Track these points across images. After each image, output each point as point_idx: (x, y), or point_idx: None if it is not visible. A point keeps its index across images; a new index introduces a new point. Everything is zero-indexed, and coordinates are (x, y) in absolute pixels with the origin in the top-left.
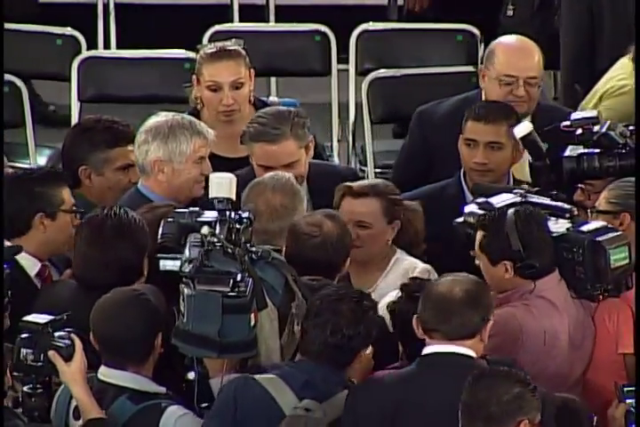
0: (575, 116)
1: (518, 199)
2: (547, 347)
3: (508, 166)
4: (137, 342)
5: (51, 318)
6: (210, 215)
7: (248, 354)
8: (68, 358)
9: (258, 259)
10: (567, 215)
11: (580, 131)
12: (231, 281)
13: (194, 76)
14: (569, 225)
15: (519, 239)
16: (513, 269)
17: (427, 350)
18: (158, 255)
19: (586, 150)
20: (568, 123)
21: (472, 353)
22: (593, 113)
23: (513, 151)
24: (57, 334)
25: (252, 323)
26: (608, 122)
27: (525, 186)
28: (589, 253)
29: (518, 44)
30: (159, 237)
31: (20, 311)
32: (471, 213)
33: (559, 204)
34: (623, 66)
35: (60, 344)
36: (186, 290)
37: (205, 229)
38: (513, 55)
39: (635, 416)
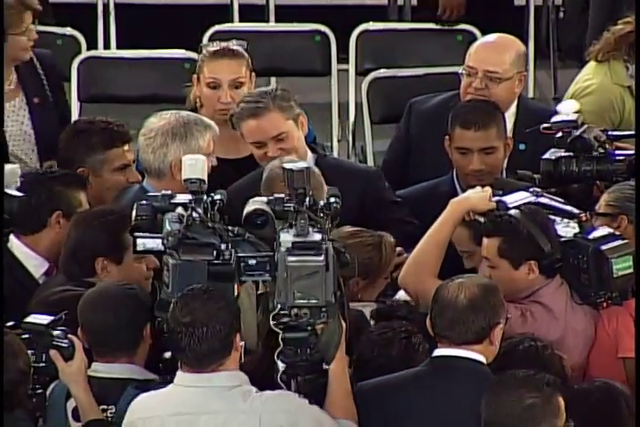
0: (555, 119)
1: (532, 199)
2: None
3: (503, 164)
4: (125, 331)
5: (51, 318)
6: (182, 198)
7: None
8: (68, 357)
9: (234, 236)
10: (576, 220)
11: (559, 134)
12: (214, 251)
13: (194, 76)
14: (577, 230)
15: (546, 237)
16: (538, 267)
17: (436, 353)
18: (135, 235)
19: (565, 154)
20: (548, 125)
21: (480, 357)
22: (573, 116)
23: (505, 149)
24: (55, 333)
25: (235, 293)
26: (585, 126)
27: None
28: (593, 261)
29: (493, 39)
30: (133, 218)
31: (22, 311)
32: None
33: (569, 208)
34: (588, 66)
35: (61, 344)
36: (170, 260)
37: (181, 209)
38: (479, 48)
39: (635, 416)
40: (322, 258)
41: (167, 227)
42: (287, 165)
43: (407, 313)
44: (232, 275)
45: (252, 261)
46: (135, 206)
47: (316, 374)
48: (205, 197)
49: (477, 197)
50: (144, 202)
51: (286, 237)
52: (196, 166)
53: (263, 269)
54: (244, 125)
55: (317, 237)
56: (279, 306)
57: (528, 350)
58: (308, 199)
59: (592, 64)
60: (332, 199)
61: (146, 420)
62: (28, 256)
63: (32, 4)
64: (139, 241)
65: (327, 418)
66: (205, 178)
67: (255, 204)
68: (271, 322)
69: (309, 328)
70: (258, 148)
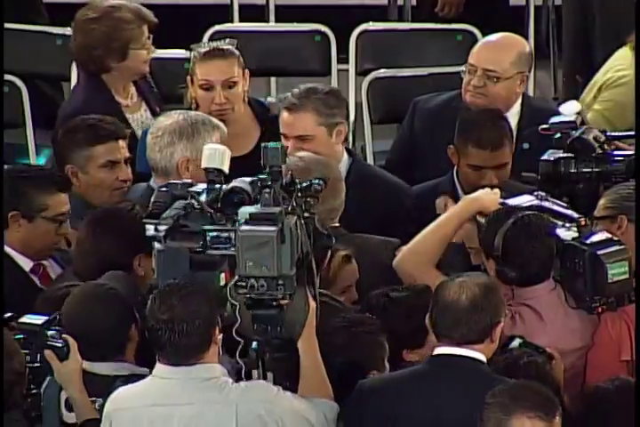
0: (554, 120)
1: (535, 202)
2: None
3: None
4: (111, 336)
5: (46, 318)
6: (202, 187)
7: None
8: (63, 357)
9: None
10: (575, 224)
11: (558, 135)
12: (202, 240)
13: (188, 77)
14: (576, 235)
15: (502, 245)
16: (495, 269)
17: (437, 351)
18: (144, 220)
19: (564, 155)
20: (547, 126)
21: (481, 356)
22: (572, 117)
23: (512, 159)
24: (49, 333)
25: (223, 282)
26: (584, 126)
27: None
28: (589, 266)
29: (496, 39)
30: (150, 204)
31: (19, 308)
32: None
33: (569, 212)
34: (622, 56)
35: (56, 344)
36: (157, 245)
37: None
38: (481, 47)
39: (635, 417)
40: (274, 229)
41: (166, 213)
42: (263, 143)
43: (408, 297)
44: (215, 264)
45: (213, 234)
46: (155, 192)
47: (287, 353)
48: (225, 186)
49: (489, 198)
50: (164, 188)
51: (246, 209)
52: (214, 156)
53: (229, 242)
54: (281, 114)
55: (276, 209)
56: (236, 277)
57: (527, 365)
58: (285, 179)
59: (625, 52)
60: (316, 181)
61: (120, 411)
62: (13, 254)
63: (149, 17)
64: (147, 227)
65: (301, 402)
66: (225, 168)
67: (236, 182)
68: (228, 294)
69: (274, 304)
70: (283, 138)
